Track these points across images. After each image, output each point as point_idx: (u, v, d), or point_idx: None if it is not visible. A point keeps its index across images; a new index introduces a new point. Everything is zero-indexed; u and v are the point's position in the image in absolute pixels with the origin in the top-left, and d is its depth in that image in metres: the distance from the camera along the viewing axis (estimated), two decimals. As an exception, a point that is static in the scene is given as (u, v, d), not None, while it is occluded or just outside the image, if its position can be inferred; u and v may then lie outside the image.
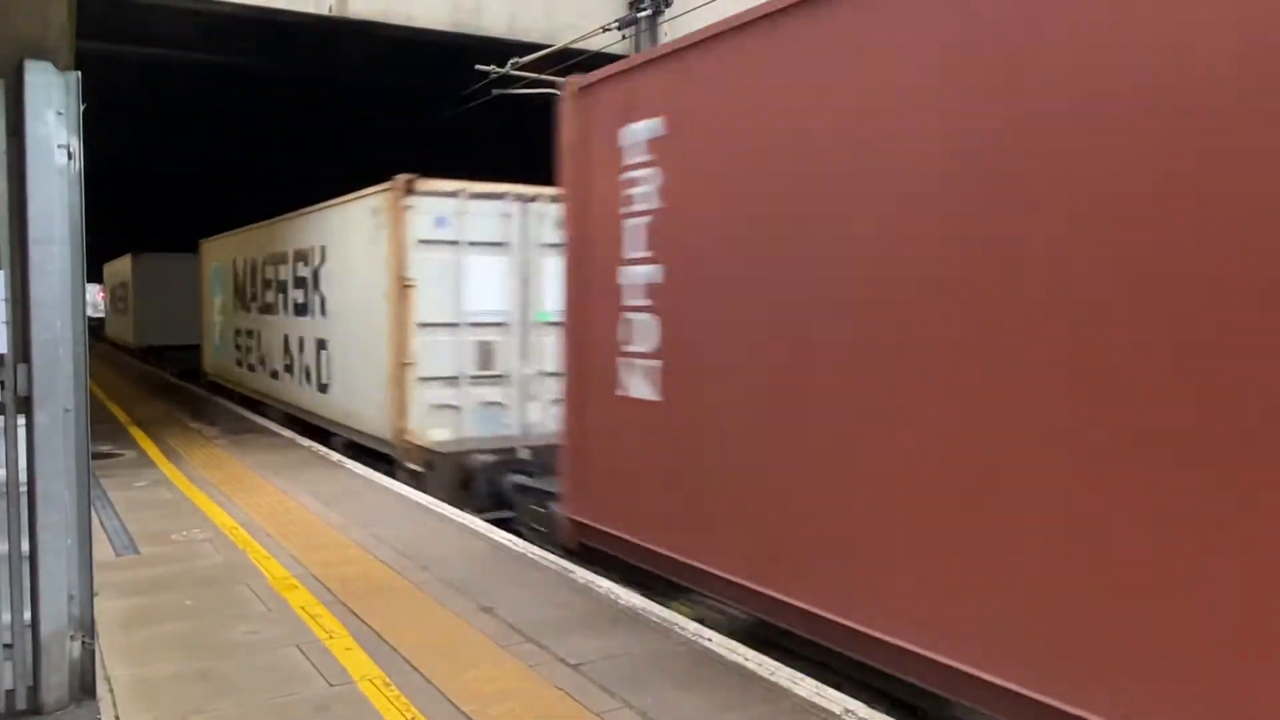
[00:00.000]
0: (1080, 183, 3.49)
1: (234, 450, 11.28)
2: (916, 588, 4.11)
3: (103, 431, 12.22)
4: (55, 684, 3.97)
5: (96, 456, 9.87)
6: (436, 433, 9.75)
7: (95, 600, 4.16)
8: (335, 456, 10.80)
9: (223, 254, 18.24)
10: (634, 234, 5.89)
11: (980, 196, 3.83)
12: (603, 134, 6.20)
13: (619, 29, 13.23)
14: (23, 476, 3.87)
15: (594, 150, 6.31)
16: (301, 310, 13.36)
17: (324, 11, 11.88)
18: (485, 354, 10.10)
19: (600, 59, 11.12)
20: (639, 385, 5.88)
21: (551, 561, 6.43)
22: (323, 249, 12.45)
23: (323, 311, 12.50)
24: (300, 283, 13.36)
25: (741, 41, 5.05)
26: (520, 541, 6.94)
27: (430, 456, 9.53)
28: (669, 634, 5.05)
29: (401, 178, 9.84)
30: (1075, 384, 3.52)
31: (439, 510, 8.01)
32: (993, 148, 3.78)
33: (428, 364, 9.77)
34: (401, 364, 9.78)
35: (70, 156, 3.92)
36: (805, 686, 4.36)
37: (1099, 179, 3.43)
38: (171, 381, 20.83)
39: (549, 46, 12.77)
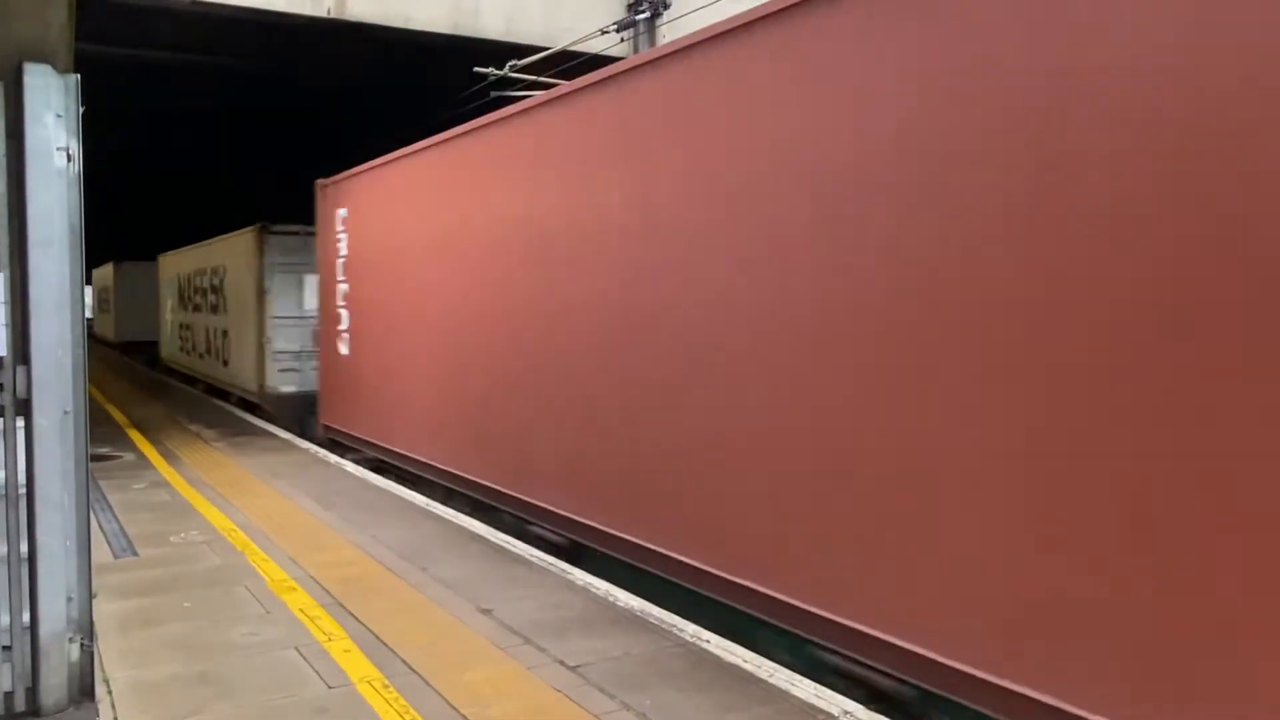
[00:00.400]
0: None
1: (232, 452, 11.28)
2: (418, 428, 9.37)
3: (101, 434, 12.22)
4: (54, 686, 3.98)
5: (95, 459, 9.86)
6: (285, 387, 14.98)
7: (94, 602, 4.16)
8: (333, 459, 10.85)
9: (173, 266, 23.30)
10: (340, 267, 11.35)
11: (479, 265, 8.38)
12: (330, 213, 11.70)
13: (617, 31, 13.23)
14: (22, 479, 3.88)
15: (328, 222, 11.80)
16: (215, 309, 18.44)
17: (322, 14, 11.87)
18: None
19: (599, 61, 11.13)
20: (343, 348, 11.35)
21: (550, 563, 6.44)
22: (225, 266, 17.53)
23: (225, 310, 17.51)
24: (214, 289, 18.41)
25: (370, 175, 10.42)
26: (520, 544, 6.97)
27: (277, 401, 14.93)
28: (667, 635, 5.06)
29: (260, 224, 15.07)
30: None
31: (436, 511, 8.02)
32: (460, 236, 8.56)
33: (280, 343, 14.96)
34: (262, 343, 15.03)
35: (69, 159, 3.93)
36: (803, 688, 4.37)
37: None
38: (169, 383, 20.88)
39: (547, 49, 12.77)
